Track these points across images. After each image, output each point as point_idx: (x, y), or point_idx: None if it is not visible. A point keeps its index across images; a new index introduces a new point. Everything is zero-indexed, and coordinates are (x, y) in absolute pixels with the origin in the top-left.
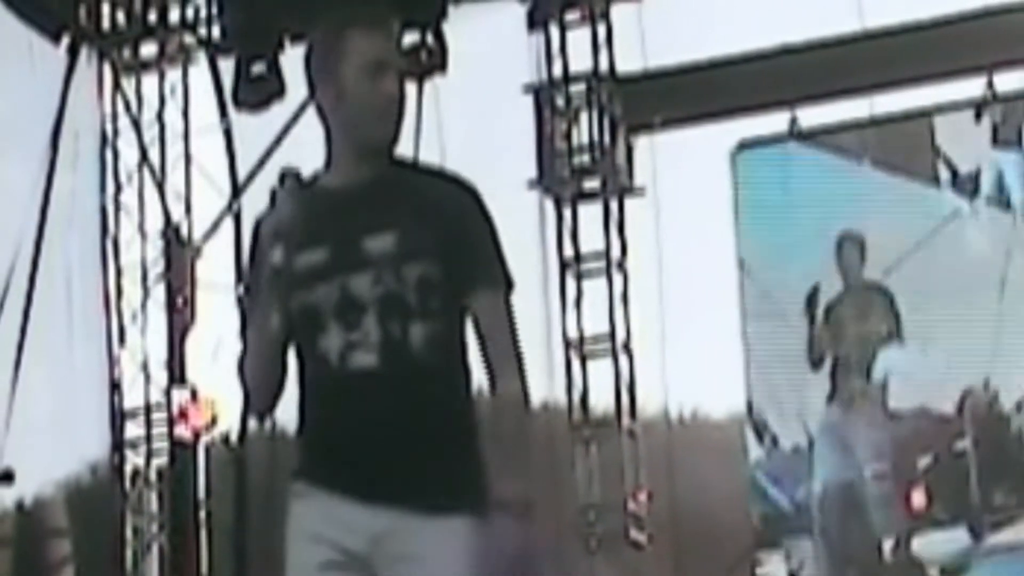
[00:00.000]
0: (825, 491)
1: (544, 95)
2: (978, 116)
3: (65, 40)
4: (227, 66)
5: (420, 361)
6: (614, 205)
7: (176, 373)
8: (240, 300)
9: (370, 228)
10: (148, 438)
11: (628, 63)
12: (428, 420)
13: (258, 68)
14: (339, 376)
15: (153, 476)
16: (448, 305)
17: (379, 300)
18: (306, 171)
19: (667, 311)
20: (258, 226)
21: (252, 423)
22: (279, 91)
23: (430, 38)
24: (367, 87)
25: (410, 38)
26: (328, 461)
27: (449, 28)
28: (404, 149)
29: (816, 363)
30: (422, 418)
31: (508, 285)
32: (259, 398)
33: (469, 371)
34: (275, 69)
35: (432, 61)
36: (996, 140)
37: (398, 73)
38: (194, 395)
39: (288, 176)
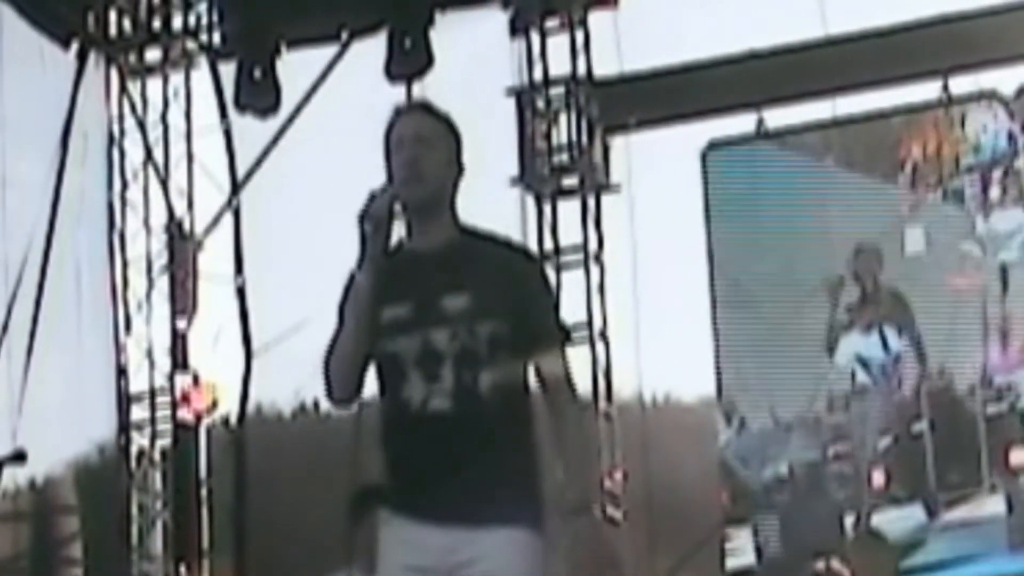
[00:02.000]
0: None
1: (525, 97)
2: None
3: (74, 46)
4: (227, 70)
5: (488, 406)
6: (591, 201)
7: (179, 359)
8: (239, 290)
9: (447, 288)
10: (153, 420)
11: (605, 67)
12: (493, 454)
13: (257, 73)
14: (418, 419)
15: (157, 456)
16: (513, 358)
17: (456, 353)
18: (302, 169)
19: (641, 301)
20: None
21: (250, 407)
22: (276, 95)
23: (418, 43)
24: (396, 157)
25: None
26: (408, 493)
27: (436, 34)
28: None
29: (831, 349)
30: (488, 453)
31: (566, 337)
32: (339, 391)
33: (530, 410)
34: (272, 74)
35: (420, 64)
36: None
37: (439, 149)
38: (196, 380)
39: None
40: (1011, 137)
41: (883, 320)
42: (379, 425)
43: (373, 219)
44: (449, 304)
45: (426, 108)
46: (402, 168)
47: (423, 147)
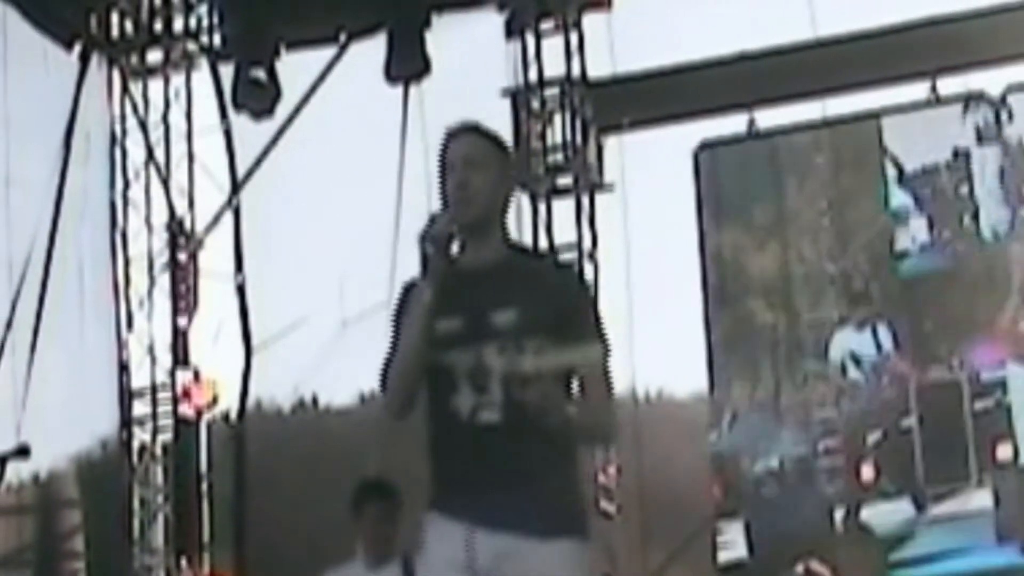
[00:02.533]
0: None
1: (521, 98)
2: (965, 108)
3: (77, 47)
4: (227, 71)
5: (534, 417)
6: (585, 200)
7: (180, 355)
8: (239, 288)
9: (496, 303)
10: (154, 416)
11: (598, 69)
12: (539, 464)
13: (256, 74)
14: (468, 430)
15: (159, 451)
16: (556, 369)
17: (504, 368)
18: (301, 169)
19: (635, 298)
20: (409, 287)
21: (250, 402)
22: (276, 95)
23: (416, 45)
24: (448, 179)
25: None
26: (459, 497)
27: (432, 36)
28: (391, 150)
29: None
30: (534, 462)
31: (605, 347)
32: (395, 404)
33: (571, 420)
34: (272, 75)
35: (418, 66)
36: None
37: (488, 169)
38: (196, 376)
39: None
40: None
41: (877, 318)
42: (426, 432)
43: (434, 240)
44: (498, 319)
45: (476, 130)
46: (453, 191)
47: (472, 169)
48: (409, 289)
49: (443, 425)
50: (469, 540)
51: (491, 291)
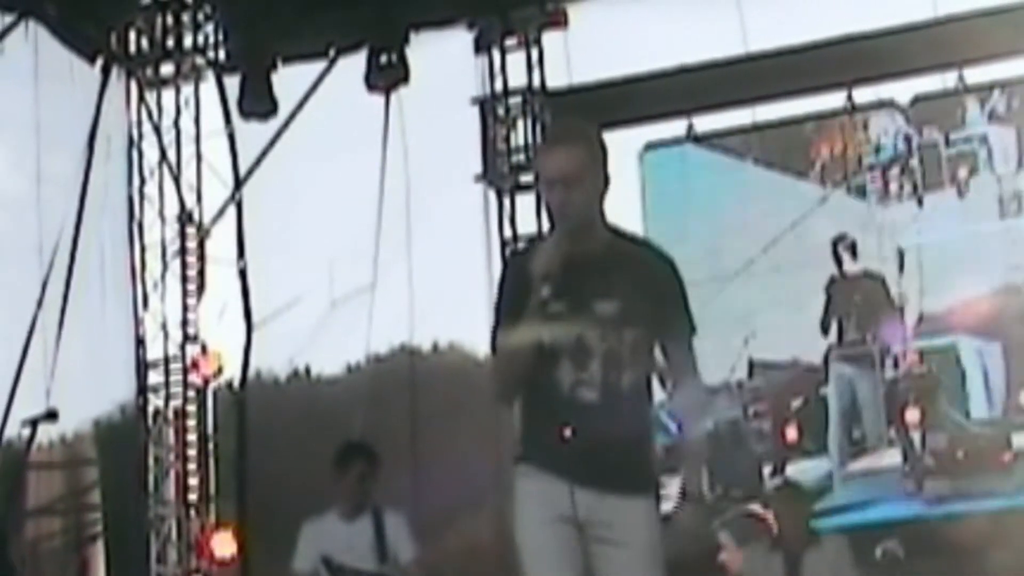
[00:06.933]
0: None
1: (488, 106)
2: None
3: (99, 61)
4: (231, 82)
5: (626, 398)
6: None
7: (189, 331)
8: (241, 272)
9: (600, 293)
10: (167, 384)
11: (557, 80)
12: (627, 437)
13: (258, 84)
14: (568, 402)
15: (171, 415)
16: (648, 359)
17: (604, 353)
18: (296, 167)
19: None
20: (515, 263)
21: (250, 373)
22: (273, 103)
23: (395, 59)
24: (551, 195)
25: (378, 59)
26: (555, 455)
27: (411, 51)
28: (374, 151)
29: (825, 330)
30: (623, 435)
31: (692, 331)
32: (508, 392)
33: (652, 401)
34: (269, 85)
35: (397, 77)
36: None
37: (583, 179)
38: (204, 349)
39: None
40: (907, 140)
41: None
42: (527, 393)
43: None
44: (601, 308)
45: (564, 142)
46: (556, 209)
47: (567, 186)
48: (510, 262)
49: (543, 392)
50: (563, 490)
51: (595, 279)
